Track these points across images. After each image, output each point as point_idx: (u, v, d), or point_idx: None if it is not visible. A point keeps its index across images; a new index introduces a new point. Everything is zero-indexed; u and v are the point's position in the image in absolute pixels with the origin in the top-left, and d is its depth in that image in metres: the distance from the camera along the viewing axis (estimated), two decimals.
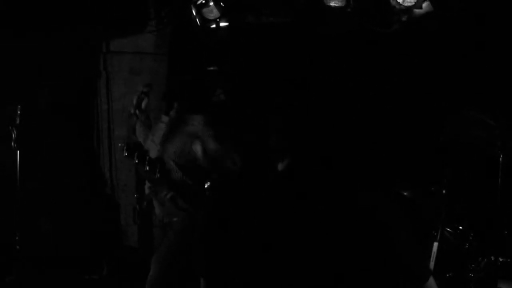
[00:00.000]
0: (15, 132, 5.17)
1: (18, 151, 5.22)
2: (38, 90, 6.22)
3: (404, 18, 5.25)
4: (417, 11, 5.16)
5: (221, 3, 5.40)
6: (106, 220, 6.29)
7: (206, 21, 5.49)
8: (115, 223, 6.40)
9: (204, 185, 5.21)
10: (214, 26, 5.51)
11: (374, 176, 2.20)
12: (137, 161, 4.00)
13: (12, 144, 5.19)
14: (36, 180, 5.98)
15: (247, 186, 2.18)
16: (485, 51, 5.23)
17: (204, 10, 5.43)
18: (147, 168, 3.98)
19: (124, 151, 4.13)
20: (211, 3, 5.35)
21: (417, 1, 5.01)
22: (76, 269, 6.00)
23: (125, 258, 6.18)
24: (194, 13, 5.47)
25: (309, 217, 2.06)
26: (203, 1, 5.38)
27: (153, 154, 4.31)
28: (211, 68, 5.17)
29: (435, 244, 4.26)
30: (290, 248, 2.04)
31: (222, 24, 5.52)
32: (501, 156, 4.11)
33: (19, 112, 5.19)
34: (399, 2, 5.03)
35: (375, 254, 2.03)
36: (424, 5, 5.06)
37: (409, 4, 5.02)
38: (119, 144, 4.62)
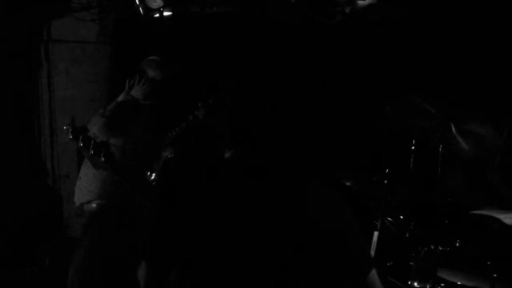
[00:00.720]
0: None
1: None
2: None
3: (347, 10, 5.28)
4: (360, 2, 5.19)
5: None
6: (48, 211, 6.19)
7: (149, 11, 5.43)
8: (58, 215, 6.31)
9: (150, 176, 5.20)
10: (157, 15, 5.46)
11: (315, 165, 2.22)
12: (81, 144, 3.96)
13: None
14: None
15: (196, 172, 2.18)
16: (428, 38, 5.30)
17: None
18: (92, 152, 3.94)
19: (69, 133, 4.08)
20: None
21: None
22: (17, 261, 5.91)
23: (68, 250, 6.10)
24: (137, 2, 5.40)
25: (255, 204, 2.07)
26: None
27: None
28: (152, 58, 5.13)
29: (375, 234, 4.30)
30: (237, 233, 2.06)
31: (165, 13, 5.47)
32: (440, 146, 4.17)
33: None
34: None
35: (321, 244, 2.05)
36: None
37: None
38: (64, 127, 4.57)
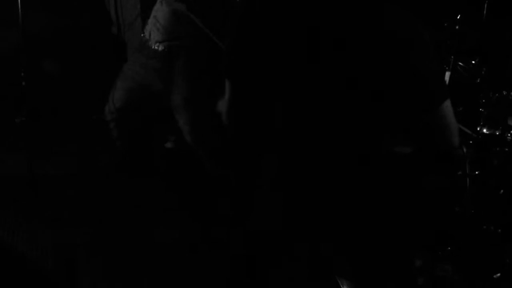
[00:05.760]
0: None
1: None
2: None
3: None
4: None
5: None
6: None
7: None
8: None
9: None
10: None
11: None
12: None
13: None
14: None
15: None
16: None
17: None
18: None
19: None
20: None
21: None
22: (85, 109, 6.04)
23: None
24: None
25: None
26: None
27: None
28: None
29: (447, 73, 4.22)
30: None
31: None
32: None
33: None
34: None
35: (393, 65, 1.97)
36: None
37: None
38: None
